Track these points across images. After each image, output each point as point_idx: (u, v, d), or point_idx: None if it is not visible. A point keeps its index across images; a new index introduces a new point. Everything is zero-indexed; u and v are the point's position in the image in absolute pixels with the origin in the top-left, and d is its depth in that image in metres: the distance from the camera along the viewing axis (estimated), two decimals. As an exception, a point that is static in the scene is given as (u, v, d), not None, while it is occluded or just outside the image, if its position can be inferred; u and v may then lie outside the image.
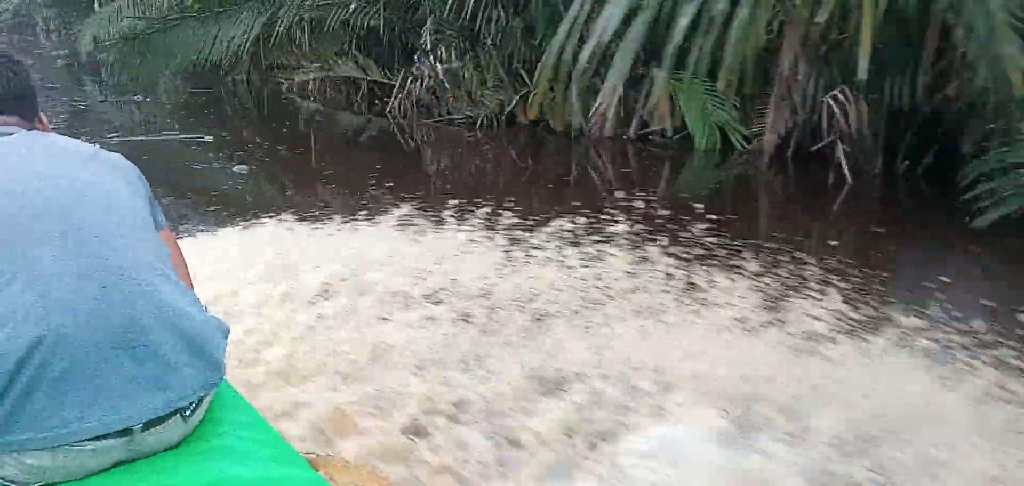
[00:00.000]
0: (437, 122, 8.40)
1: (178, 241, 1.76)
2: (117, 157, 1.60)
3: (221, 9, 10.46)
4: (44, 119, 1.68)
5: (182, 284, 1.48)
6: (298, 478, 1.44)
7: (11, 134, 1.51)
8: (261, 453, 1.47)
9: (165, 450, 1.40)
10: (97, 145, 1.63)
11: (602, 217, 4.64)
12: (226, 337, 1.53)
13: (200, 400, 1.43)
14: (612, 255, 4.03)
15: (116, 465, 1.35)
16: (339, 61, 9.65)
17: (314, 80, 10.30)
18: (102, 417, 1.27)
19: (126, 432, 1.31)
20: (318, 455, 2.03)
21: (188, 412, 1.40)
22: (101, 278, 1.33)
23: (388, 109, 8.84)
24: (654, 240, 4.24)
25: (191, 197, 6.01)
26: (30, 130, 1.57)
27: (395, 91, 8.78)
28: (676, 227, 4.52)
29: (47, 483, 1.30)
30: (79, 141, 1.59)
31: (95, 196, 1.43)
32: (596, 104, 6.85)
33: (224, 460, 1.41)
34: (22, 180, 1.39)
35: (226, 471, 1.38)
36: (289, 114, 9.95)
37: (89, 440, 1.28)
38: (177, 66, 10.56)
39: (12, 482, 1.29)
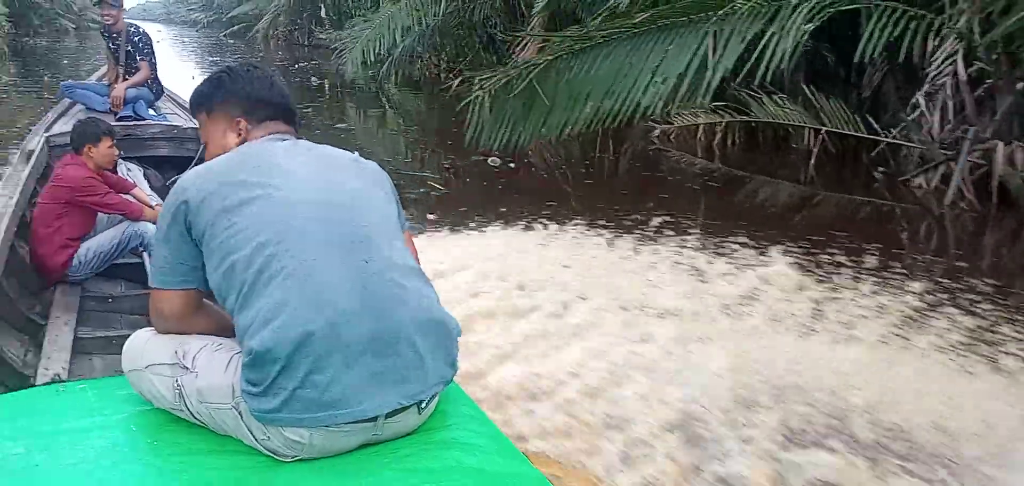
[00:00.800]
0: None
1: None
2: (373, 165, 1.75)
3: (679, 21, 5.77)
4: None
5: (431, 285, 1.64)
6: (520, 473, 1.55)
7: (285, 140, 1.70)
8: (484, 445, 1.60)
9: (399, 438, 1.56)
10: (355, 152, 1.76)
11: None
12: (458, 336, 1.65)
13: (434, 394, 1.58)
14: None
15: (361, 447, 1.53)
16: (771, 101, 6.68)
17: (703, 127, 7.39)
18: (357, 406, 1.44)
19: (372, 419, 1.47)
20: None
21: (424, 404, 1.55)
22: (364, 279, 1.49)
23: (918, 184, 5.65)
24: None
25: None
26: (297, 138, 1.75)
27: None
28: None
29: (303, 458, 1.49)
30: (339, 149, 1.75)
31: (360, 202, 1.60)
32: None
33: (452, 450, 1.56)
34: (299, 186, 1.55)
35: (455, 460, 1.53)
36: (686, 177, 6.97)
37: (343, 424, 1.45)
38: (580, 120, 5.97)
39: (273, 452, 1.49)
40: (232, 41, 32.96)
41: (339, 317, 1.44)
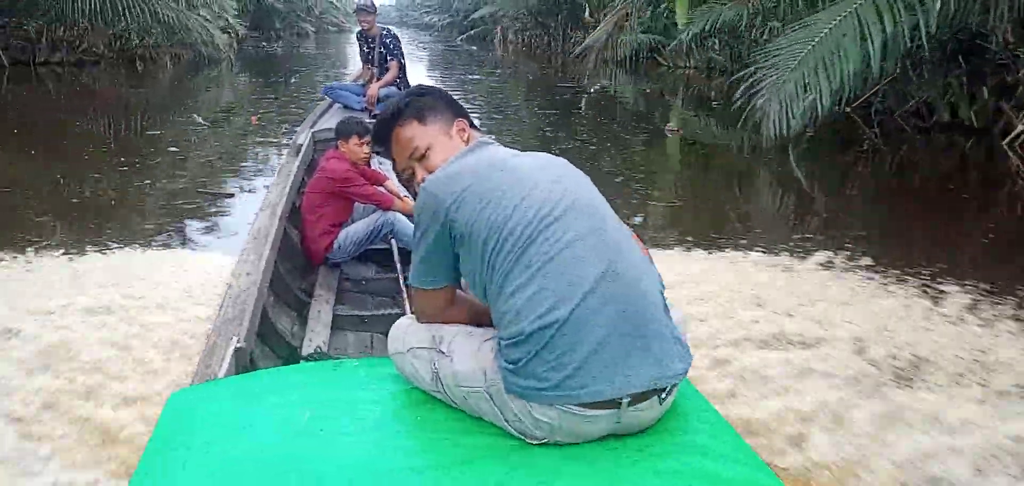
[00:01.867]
0: None
1: None
2: (573, 167, 1.77)
3: None
4: None
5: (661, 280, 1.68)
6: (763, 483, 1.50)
7: (495, 144, 1.81)
8: (724, 451, 1.57)
9: (640, 432, 1.60)
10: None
11: None
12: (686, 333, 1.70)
13: (673, 386, 1.59)
14: None
15: (605, 437, 1.58)
16: None
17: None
18: (605, 385, 1.50)
19: (615, 404, 1.52)
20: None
21: (664, 395, 1.58)
22: (612, 265, 1.55)
23: None
24: None
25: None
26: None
27: None
28: None
29: (550, 441, 1.56)
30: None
31: (589, 197, 1.66)
32: None
33: (692, 454, 1.55)
34: (536, 181, 1.62)
35: (697, 464, 1.52)
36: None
37: (586, 406, 1.51)
38: None
39: (523, 434, 1.58)
40: (473, 47, 32.36)
41: (590, 301, 1.50)
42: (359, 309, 3.53)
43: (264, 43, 29.20)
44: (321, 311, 3.39)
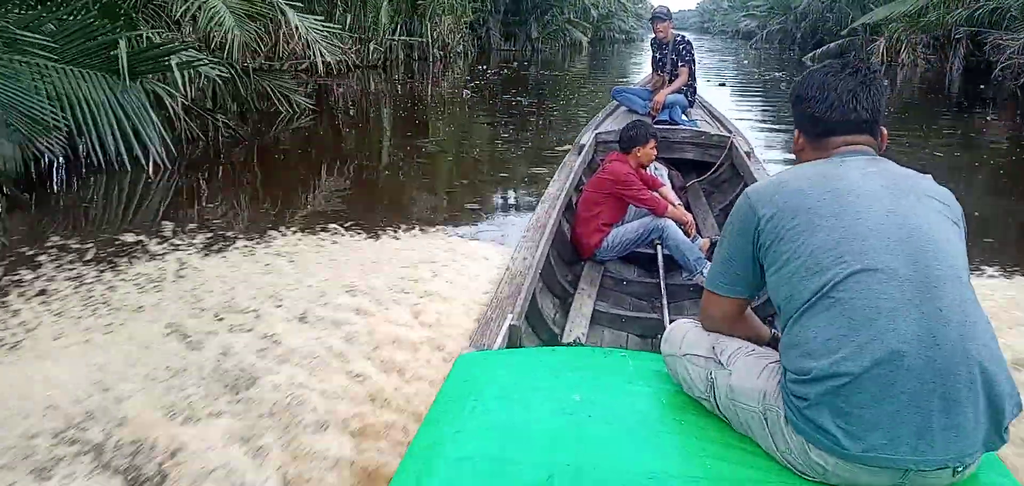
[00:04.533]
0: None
1: None
2: (945, 192, 1.60)
3: None
4: (884, 131, 1.69)
5: (997, 340, 1.48)
6: None
7: (860, 156, 1.61)
8: None
9: None
10: (929, 174, 1.62)
11: None
12: (1020, 410, 1.47)
13: (976, 461, 1.44)
14: None
15: None
16: None
17: None
18: (892, 452, 1.38)
19: (903, 469, 1.39)
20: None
21: (960, 468, 1.42)
22: (933, 326, 1.39)
23: None
24: None
25: None
26: (873, 154, 1.63)
27: None
28: None
29: (819, 481, 1.48)
30: (911, 170, 1.61)
31: (933, 239, 1.48)
32: None
33: None
34: (869, 212, 1.49)
35: None
36: None
37: (871, 464, 1.40)
38: None
39: (791, 465, 1.52)
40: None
41: (898, 359, 1.38)
42: (617, 308, 3.62)
43: (511, 62, 22.08)
44: (583, 304, 3.53)
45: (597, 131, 5.64)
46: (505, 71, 19.02)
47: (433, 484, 1.48)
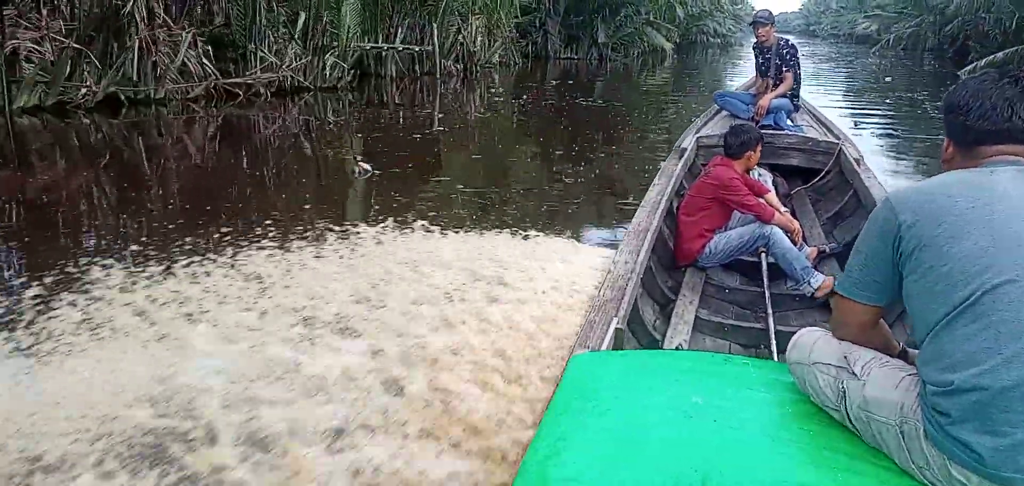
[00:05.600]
0: None
1: None
2: None
3: None
4: None
5: None
6: None
7: (1011, 166, 1.54)
8: None
9: None
10: None
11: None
12: None
13: None
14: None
15: None
16: None
17: None
18: None
19: None
20: None
21: None
22: None
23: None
24: None
25: None
26: None
27: None
28: None
29: None
30: None
31: None
32: None
33: None
34: (1020, 224, 1.42)
35: None
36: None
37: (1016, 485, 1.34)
38: None
39: (930, 483, 1.47)
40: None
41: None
42: (719, 316, 3.54)
43: (570, 74, 18.08)
44: (685, 311, 3.48)
45: (698, 135, 5.55)
46: (553, 87, 15.20)
47: (559, 483, 1.49)
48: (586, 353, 2.17)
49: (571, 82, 16.39)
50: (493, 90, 14.28)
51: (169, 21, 9.89)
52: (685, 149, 5.14)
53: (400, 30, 14.06)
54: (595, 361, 2.04)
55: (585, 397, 1.78)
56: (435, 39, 14.44)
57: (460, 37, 15.52)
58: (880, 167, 6.75)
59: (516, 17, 18.10)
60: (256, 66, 10.78)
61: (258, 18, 10.74)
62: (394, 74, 13.91)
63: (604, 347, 2.34)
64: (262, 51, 10.88)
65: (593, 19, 21.58)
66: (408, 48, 14.02)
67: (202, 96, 10.03)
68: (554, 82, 16.29)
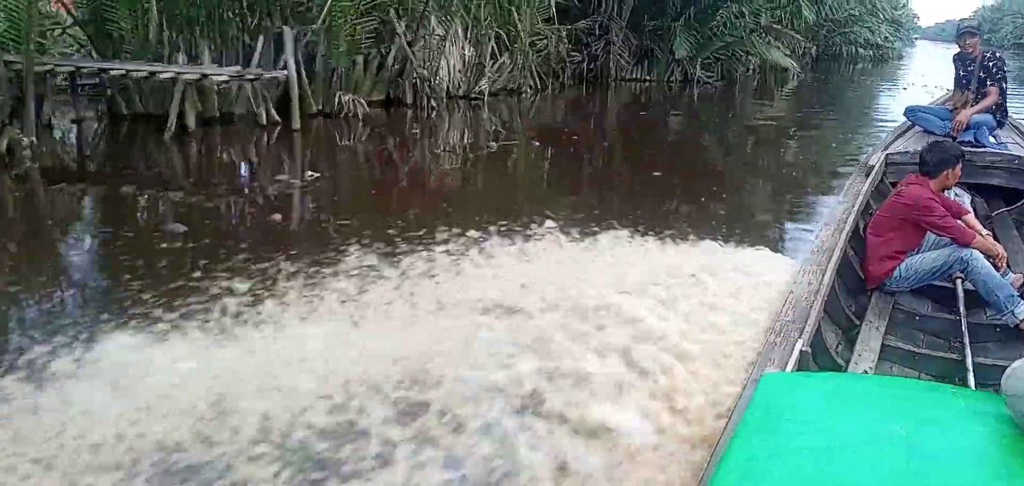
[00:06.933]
0: None
1: None
2: None
3: None
4: None
5: None
6: None
7: None
8: None
9: None
10: None
11: None
12: None
13: None
14: None
15: None
16: None
17: None
18: None
19: None
20: None
21: None
22: None
23: None
24: None
25: None
26: None
27: None
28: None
29: None
30: None
31: None
32: None
33: None
34: None
35: None
36: None
37: None
38: None
39: None
40: None
41: None
42: (908, 344, 3.36)
43: (634, 103, 13.46)
44: (870, 338, 3.32)
45: (887, 152, 5.26)
46: (562, 134, 9.80)
47: None
48: (779, 372, 2.16)
49: (617, 118, 11.89)
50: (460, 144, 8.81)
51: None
52: (872, 166, 4.90)
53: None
54: (789, 382, 2.03)
55: (778, 419, 1.78)
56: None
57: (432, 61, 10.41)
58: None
59: (550, 22, 13.01)
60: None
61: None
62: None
63: (789, 368, 2.31)
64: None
65: (673, 26, 15.32)
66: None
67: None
68: (624, 110, 12.25)
